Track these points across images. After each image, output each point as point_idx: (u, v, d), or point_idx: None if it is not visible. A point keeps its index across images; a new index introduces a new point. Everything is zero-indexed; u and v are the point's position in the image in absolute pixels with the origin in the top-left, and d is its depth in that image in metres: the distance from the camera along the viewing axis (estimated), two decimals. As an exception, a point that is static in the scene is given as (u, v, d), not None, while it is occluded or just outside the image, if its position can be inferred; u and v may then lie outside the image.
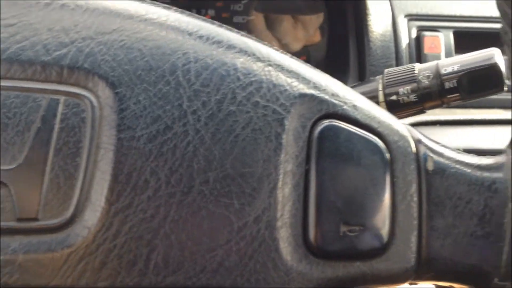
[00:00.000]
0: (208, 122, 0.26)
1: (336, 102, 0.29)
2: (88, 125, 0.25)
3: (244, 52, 0.29)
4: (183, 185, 0.25)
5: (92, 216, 0.24)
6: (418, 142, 0.30)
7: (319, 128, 0.28)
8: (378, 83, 0.46)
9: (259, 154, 0.27)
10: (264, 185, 0.26)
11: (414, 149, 0.29)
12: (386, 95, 0.45)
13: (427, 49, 0.75)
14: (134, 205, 0.25)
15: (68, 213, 0.24)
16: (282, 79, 0.28)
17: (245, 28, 0.87)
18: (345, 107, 0.29)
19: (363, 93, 0.47)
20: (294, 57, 0.31)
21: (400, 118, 0.47)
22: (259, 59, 0.29)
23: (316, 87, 0.29)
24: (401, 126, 0.30)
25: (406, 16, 0.76)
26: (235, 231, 0.25)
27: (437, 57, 0.74)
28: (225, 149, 0.26)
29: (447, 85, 0.42)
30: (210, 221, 0.25)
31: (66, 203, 0.24)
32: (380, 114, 0.30)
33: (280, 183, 0.26)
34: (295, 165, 0.27)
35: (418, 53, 0.74)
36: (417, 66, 0.45)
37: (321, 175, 0.27)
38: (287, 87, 0.28)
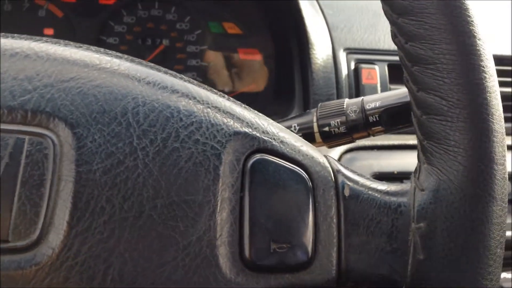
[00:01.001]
0: (155, 157, 0.31)
1: (266, 138, 0.34)
2: (50, 160, 0.29)
3: (186, 95, 0.34)
4: (134, 210, 0.30)
5: (55, 238, 0.28)
6: (337, 172, 0.35)
7: (251, 161, 0.33)
8: (313, 115, 0.52)
9: (200, 183, 0.31)
10: (204, 210, 0.31)
11: (333, 178, 0.34)
12: (319, 126, 0.51)
13: (364, 80, 0.82)
14: (92, 228, 0.29)
15: (35, 236, 0.28)
16: (219, 119, 0.33)
17: (199, 57, 0.92)
18: (274, 142, 0.34)
19: (300, 124, 0.53)
20: (231, 98, 0.36)
21: (332, 146, 0.54)
22: (199, 102, 0.34)
23: (248, 125, 0.34)
24: (322, 158, 0.35)
25: (345, 49, 0.83)
26: (181, 249, 0.30)
27: (374, 87, 0.82)
28: (170, 180, 0.31)
29: (371, 119, 0.49)
30: (159, 241, 0.29)
31: (33, 227, 0.28)
32: (305, 149, 0.35)
33: (218, 208, 0.31)
34: (231, 192, 0.32)
35: (356, 83, 0.81)
36: (346, 101, 0.51)
37: (253, 201, 0.32)
38: (223, 126, 0.33)
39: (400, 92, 0.50)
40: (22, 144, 0.29)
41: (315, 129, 0.51)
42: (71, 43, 0.35)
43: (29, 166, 0.29)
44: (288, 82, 0.86)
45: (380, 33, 0.88)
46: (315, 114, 0.52)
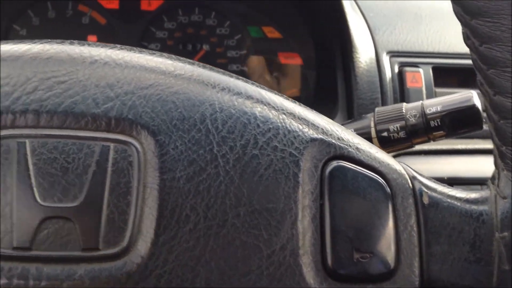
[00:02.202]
0: (235, 164, 0.31)
1: (342, 145, 0.33)
2: (135, 168, 0.29)
3: (260, 101, 0.33)
4: (218, 219, 0.29)
5: (144, 246, 0.28)
6: (413, 178, 0.34)
7: (329, 168, 0.32)
8: (370, 121, 0.51)
9: (281, 191, 0.31)
10: (286, 218, 0.30)
11: (410, 185, 0.34)
12: (377, 131, 0.50)
13: (409, 83, 0.80)
14: (178, 236, 0.28)
15: (124, 243, 0.28)
16: (295, 125, 0.33)
17: (239, 62, 0.92)
18: (350, 149, 0.33)
19: (356, 129, 0.52)
20: (302, 105, 0.36)
21: (390, 152, 0.53)
22: (273, 108, 0.33)
23: (324, 132, 0.33)
24: (398, 165, 0.35)
25: (388, 53, 0.82)
26: (265, 258, 0.29)
27: (419, 91, 0.80)
28: (251, 187, 0.30)
29: (432, 123, 0.48)
30: (243, 250, 0.29)
31: (121, 235, 0.28)
32: (380, 155, 0.34)
33: (300, 216, 0.31)
34: (311, 200, 0.31)
35: (401, 87, 0.80)
36: (405, 106, 0.50)
37: (334, 209, 0.31)
38: (300, 133, 0.33)
39: (461, 96, 0.49)
40: (107, 152, 0.29)
41: (373, 134, 0.50)
42: (145, 50, 0.35)
43: (116, 174, 0.29)
44: (330, 86, 0.85)
45: (422, 35, 0.86)
46: (372, 119, 0.51)
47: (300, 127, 0.33)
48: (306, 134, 0.33)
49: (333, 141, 0.33)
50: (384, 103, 0.80)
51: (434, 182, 0.36)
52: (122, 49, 0.34)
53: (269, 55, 0.92)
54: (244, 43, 0.92)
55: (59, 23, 0.87)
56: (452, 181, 0.75)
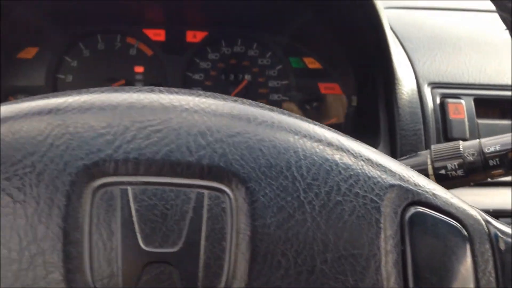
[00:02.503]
0: (321, 210, 0.32)
1: (419, 191, 0.34)
2: (228, 214, 0.31)
3: (340, 148, 0.35)
4: (307, 264, 0.31)
5: None
6: (487, 223, 0.35)
7: (408, 214, 0.34)
8: (426, 158, 0.52)
9: (364, 237, 0.32)
10: (371, 264, 0.31)
11: (486, 230, 0.35)
12: (435, 169, 0.51)
13: (451, 114, 0.81)
14: (271, 282, 0.30)
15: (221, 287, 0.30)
16: (374, 172, 0.34)
17: (280, 92, 0.94)
18: (427, 195, 0.34)
19: (413, 166, 0.53)
20: (378, 151, 0.37)
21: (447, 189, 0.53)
22: (352, 154, 0.35)
23: (401, 178, 0.35)
24: (473, 210, 0.36)
25: (429, 84, 0.83)
26: None
27: (461, 122, 0.81)
28: (337, 233, 0.32)
29: (491, 162, 0.48)
30: None
31: (218, 279, 0.30)
32: (456, 201, 0.35)
33: (383, 262, 0.32)
34: (392, 245, 0.32)
35: (443, 118, 0.81)
36: (462, 144, 0.51)
37: (416, 254, 0.32)
38: (379, 179, 0.34)
39: (519, 136, 0.50)
40: (202, 199, 0.31)
41: (430, 171, 0.51)
42: (227, 97, 0.37)
43: (210, 220, 0.31)
44: (371, 116, 0.86)
45: (463, 66, 0.87)
46: (428, 156, 0.52)
47: (379, 173, 0.34)
48: (385, 180, 0.34)
49: (411, 187, 0.34)
50: (426, 133, 0.80)
51: (506, 226, 0.36)
52: (208, 96, 0.36)
53: (310, 85, 0.94)
54: (285, 73, 0.94)
55: (108, 54, 0.91)
56: (498, 214, 0.75)
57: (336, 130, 0.37)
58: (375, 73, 0.85)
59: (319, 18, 0.84)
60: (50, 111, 0.33)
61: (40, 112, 0.33)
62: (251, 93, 0.93)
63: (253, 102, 0.38)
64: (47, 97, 0.34)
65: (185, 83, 0.92)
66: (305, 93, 0.94)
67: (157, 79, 0.91)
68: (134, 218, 0.30)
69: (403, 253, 0.32)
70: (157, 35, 0.91)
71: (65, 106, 0.33)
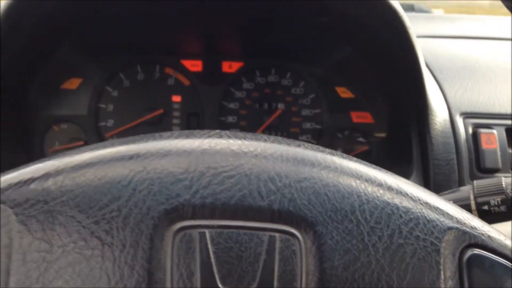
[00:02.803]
0: (384, 253, 0.34)
1: (476, 233, 0.36)
2: (298, 257, 0.33)
3: (399, 192, 0.37)
4: None
5: None
6: None
7: (466, 256, 0.35)
8: (469, 193, 0.54)
9: (426, 279, 0.34)
10: None
11: None
12: (478, 204, 0.53)
13: (484, 144, 0.83)
14: None
15: None
16: (432, 215, 0.36)
17: (313, 120, 0.96)
18: (483, 237, 0.36)
19: (455, 201, 0.55)
20: (433, 193, 0.39)
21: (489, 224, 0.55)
22: (411, 198, 0.37)
23: (458, 221, 0.36)
24: None
25: (461, 114, 0.85)
26: None
27: (494, 152, 0.83)
28: (400, 275, 0.34)
29: (534, 199, 0.50)
30: None
31: None
32: (508, 243, 0.37)
33: None
34: (451, 287, 0.34)
35: (475, 148, 0.82)
36: (504, 180, 0.53)
37: None
38: (437, 222, 0.36)
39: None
40: (274, 241, 0.33)
41: (473, 207, 0.53)
42: (290, 141, 0.39)
43: (282, 262, 0.33)
44: (403, 146, 0.88)
45: (494, 97, 0.89)
46: (471, 192, 0.54)
47: (437, 216, 0.36)
48: (443, 224, 0.36)
49: (467, 229, 0.36)
50: (459, 163, 0.82)
51: None
52: (273, 142, 0.38)
53: (342, 114, 0.96)
54: (318, 102, 0.96)
55: (147, 84, 0.94)
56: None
57: (395, 174, 0.39)
58: (408, 102, 0.87)
59: (357, 52, 0.86)
60: (132, 157, 0.35)
61: (122, 158, 0.35)
62: (284, 122, 0.96)
63: (314, 146, 0.40)
64: (126, 143, 0.37)
65: (221, 112, 0.95)
66: (337, 122, 0.96)
67: (194, 108, 0.94)
68: (212, 260, 0.33)
69: None
70: (194, 65, 0.95)
71: (145, 152, 0.35)
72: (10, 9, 0.68)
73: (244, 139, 0.38)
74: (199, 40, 0.93)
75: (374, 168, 0.39)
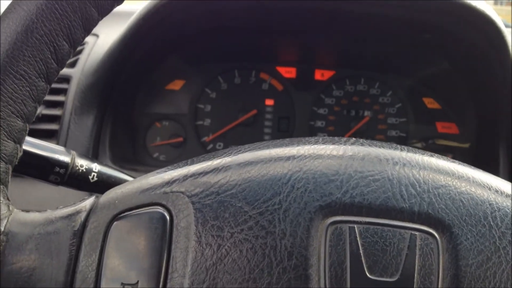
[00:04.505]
0: None
1: None
2: (436, 254, 0.38)
3: None
4: None
5: None
6: None
7: None
8: None
9: None
10: None
11: None
12: None
13: None
14: None
15: None
16: None
17: (398, 128, 0.99)
18: None
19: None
20: None
21: None
22: None
23: None
24: None
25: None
26: None
27: None
28: None
29: None
30: None
31: None
32: None
33: None
34: None
35: None
36: None
37: None
38: None
39: None
40: (415, 239, 0.38)
41: None
42: (424, 152, 0.44)
43: (421, 257, 0.38)
44: (490, 157, 0.90)
45: None
46: None
47: None
48: None
49: None
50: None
51: None
52: (409, 151, 0.43)
53: (427, 123, 0.99)
54: (404, 111, 1.00)
55: (243, 87, 1.01)
56: None
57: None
58: (498, 113, 0.89)
59: (452, 66, 0.89)
60: (289, 159, 0.41)
61: (281, 159, 0.41)
62: (371, 129, 1.00)
63: (446, 157, 0.45)
64: (280, 145, 0.43)
65: (311, 117, 1.00)
66: (422, 131, 0.99)
67: (285, 112, 1.00)
68: (361, 251, 0.38)
69: None
70: (289, 72, 1.00)
71: (300, 155, 0.41)
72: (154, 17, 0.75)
73: (382, 147, 0.43)
74: (295, 50, 0.98)
75: (502, 181, 0.43)
